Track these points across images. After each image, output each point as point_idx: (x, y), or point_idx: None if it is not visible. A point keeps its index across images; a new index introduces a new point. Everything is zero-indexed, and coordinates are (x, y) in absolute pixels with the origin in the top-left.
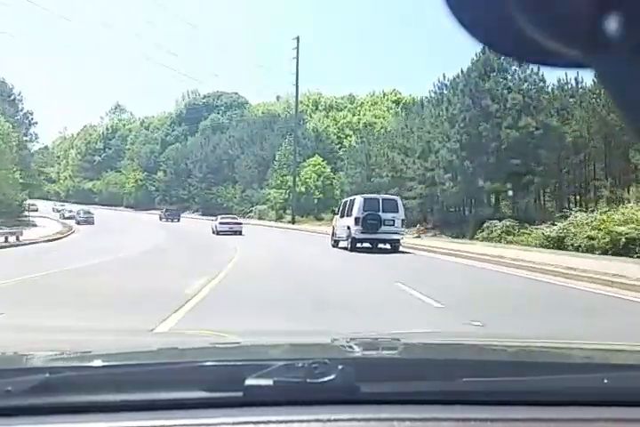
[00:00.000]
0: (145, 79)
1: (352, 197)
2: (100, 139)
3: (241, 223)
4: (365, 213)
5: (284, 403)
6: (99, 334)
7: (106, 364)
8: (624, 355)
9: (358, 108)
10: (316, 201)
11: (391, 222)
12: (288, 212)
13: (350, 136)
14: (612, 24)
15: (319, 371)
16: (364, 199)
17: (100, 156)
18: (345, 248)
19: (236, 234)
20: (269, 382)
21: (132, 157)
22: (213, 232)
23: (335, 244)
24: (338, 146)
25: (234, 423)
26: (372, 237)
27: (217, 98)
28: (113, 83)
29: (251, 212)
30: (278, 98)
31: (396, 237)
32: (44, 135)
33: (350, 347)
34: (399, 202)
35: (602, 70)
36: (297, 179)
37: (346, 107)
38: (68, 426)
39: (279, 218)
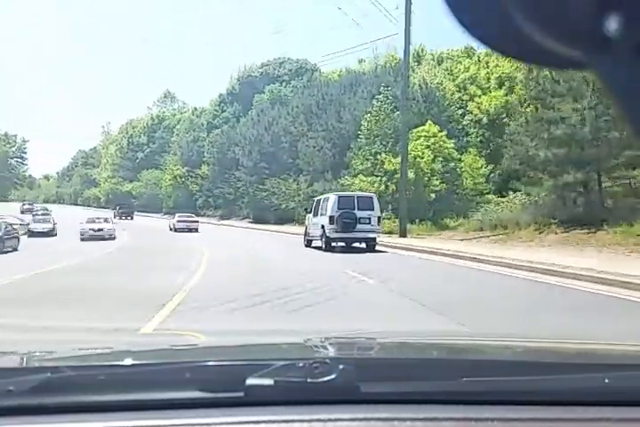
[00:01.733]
0: (198, 63)
1: (326, 195)
2: (144, 131)
3: (197, 221)
4: (340, 212)
5: (285, 403)
6: (99, 334)
7: (106, 364)
8: (624, 355)
9: (484, 62)
10: (432, 196)
11: (367, 221)
12: (386, 214)
13: (480, 96)
14: (613, 24)
15: (320, 371)
16: (339, 197)
17: (142, 151)
18: (319, 247)
19: (191, 231)
20: (270, 381)
21: (175, 150)
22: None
23: (308, 243)
24: (459, 111)
25: (235, 423)
26: (347, 237)
27: (278, 66)
28: (164, 70)
29: None
30: (362, 61)
31: (371, 235)
32: (94, 135)
33: (350, 347)
34: (375, 199)
35: (602, 70)
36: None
37: (461, 63)
38: (68, 426)
39: None
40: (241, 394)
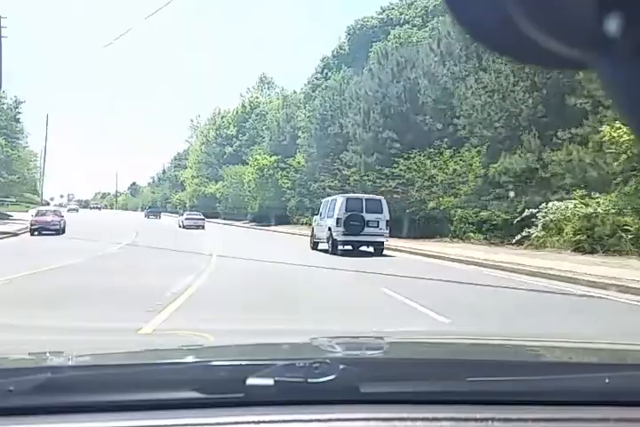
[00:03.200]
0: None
1: (333, 197)
2: (234, 121)
3: (204, 219)
4: (348, 214)
5: (285, 403)
6: (99, 334)
7: (106, 364)
8: (624, 355)
9: None
10: None
11: (375, 224)
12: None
13: None
14: (613, 24)
15: (320, 371)
16: (346, 199)
17: (231, 146)
18: (325, 250)
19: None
20: (270, 381)
21: (264, 138)
22: None
23: (314, 246)
24: None
25: (235, 423)
26: (354, 240)
27: (408, 6)
28: (259, 54)
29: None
30: None
31: (380, 239)
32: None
33: (351, 347)
34: (383, 202)
35: (602, 70)
36: None
37: None
38: (68, 426)
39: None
40: (241, 394)
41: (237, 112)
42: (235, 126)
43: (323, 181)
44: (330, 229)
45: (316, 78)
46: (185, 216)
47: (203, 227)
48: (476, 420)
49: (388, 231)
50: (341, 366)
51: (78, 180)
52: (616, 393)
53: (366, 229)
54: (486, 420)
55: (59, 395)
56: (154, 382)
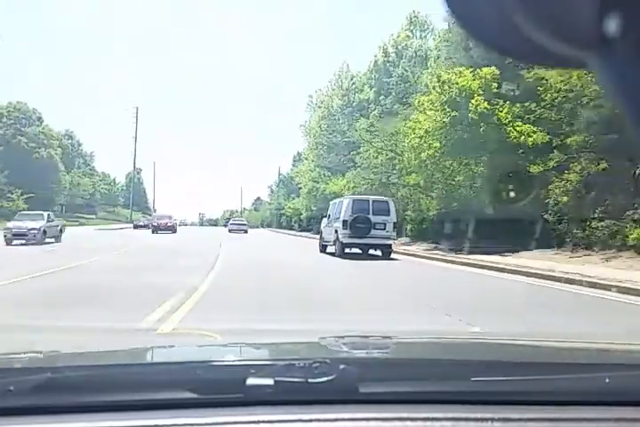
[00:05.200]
0: None
1: (340, 199)
2: (369, 80)
3: (246, 224)
4: (354, 216)
5: (285, 403)
6: (99, 334)
7: (106, 364)
8: (625, 355)
9: None
10: None
11: (382, 226)
12: None
13: None
14: (613, 24)
15: (320, 371)
16: (353, 201)
17: (366, 116)
18: (332, 253)
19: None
20: (270, 381)
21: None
22: None
23: (323, 248)
24: None
25: (234, 423)
26: (361, 242)
27: None
28: None
29: None
30: None
31: (387, 242)
32: None
33: (351, 347)
34: (391, 204)
35: (602, 70)
36: None
37: None
38: (68, 426)
39: None
40: (241, 394)
41: (377, 63)
42: (372, 87)
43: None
44: (336, 231)
45: None
46: (231, 222)
47: (245, 231)
48: (476, 420)
49: (395, 234)
50: (341, 366)
51: (209, 199)
52: (616, 393)
53: (373, 232)
54: (486, 420)
55: (59, 395)
56: (154, 382)
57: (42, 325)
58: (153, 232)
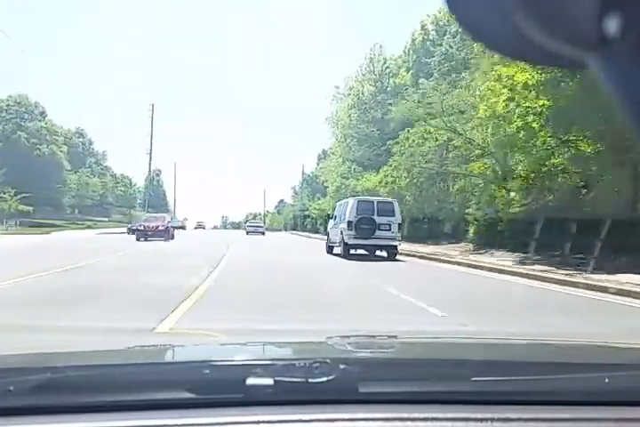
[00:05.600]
0: None
1: (346, 200)
2: (405, 63)
3: (263, 226)
4: (359, 217)
5: (285, 403)
6: (99, 334)
7: (106, 364)
8: (625, 355)
9: None
10: None
11: (387, 227)
12: None
13: None
14: (613, 24)
15: (320, 371)
16: (358, 202)
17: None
18: (339, 254)
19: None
20: (270, 381)
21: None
22: None
23: (330, 250)
24: None
25: (234, 423)
26: (366, 243)
27: None
28: None
29: None
30: None
31: (392, 243)
32: None
33: (351, 347)
34: (395, 205)
35: (602, 70)
36: None
37: None
38: (68, 426)
39: None
40: (241, 394)
41: (414, 43)
42: (409, 70)
43: None
44: (342, 232)
45: None
46: (248, 224)
47: (263, 233)
48: (476, 420)
49: (400, 235)
50: (341, 366)
51: (232, 202)
52: (616, 393)
53: (378, 233)
54: (486, 420)
55: (59, 395)
56: (154, 382)
57: (42, 324)
58: (138, 239)
